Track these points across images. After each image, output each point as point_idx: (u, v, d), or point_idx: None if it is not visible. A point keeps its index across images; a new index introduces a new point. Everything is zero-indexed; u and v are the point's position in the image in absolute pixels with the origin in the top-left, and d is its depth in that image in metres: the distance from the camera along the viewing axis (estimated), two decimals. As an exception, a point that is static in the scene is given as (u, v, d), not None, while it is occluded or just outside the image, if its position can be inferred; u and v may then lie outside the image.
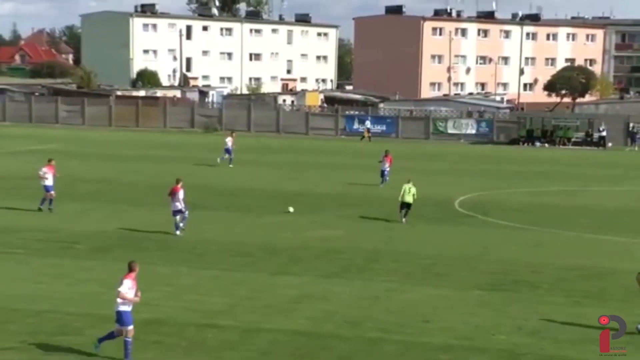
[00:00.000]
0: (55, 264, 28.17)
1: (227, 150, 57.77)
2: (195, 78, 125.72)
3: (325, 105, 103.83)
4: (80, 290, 24.83)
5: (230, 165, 56.65)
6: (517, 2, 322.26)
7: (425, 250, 31.61)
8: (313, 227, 35.47)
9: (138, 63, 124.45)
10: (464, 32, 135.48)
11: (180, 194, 33.12)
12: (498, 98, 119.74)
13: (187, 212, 33.44)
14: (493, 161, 64.97)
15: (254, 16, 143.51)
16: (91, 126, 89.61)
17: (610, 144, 79.58)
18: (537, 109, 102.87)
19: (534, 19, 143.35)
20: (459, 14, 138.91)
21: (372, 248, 31.75)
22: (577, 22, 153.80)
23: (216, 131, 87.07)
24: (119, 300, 19.01)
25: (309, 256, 30.03)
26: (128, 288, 19.03)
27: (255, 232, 34.38)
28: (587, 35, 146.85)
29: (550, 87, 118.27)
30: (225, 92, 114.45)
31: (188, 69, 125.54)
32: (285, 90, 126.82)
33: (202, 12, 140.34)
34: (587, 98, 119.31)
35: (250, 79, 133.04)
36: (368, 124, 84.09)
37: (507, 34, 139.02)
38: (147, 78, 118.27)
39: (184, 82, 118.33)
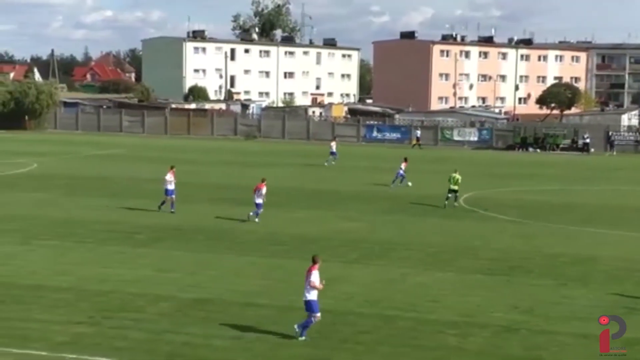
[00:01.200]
0: (118, 251, 28.26)
1: (332, 153, 60.34)
2: (238, 93, 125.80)
3: (348, 116, 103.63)
4: (139, 274, 24.88)
5: (333, 163, 59.20)
6: (513, 28, 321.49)
7: (434, 240, 31.44)
8: (339, 221, 35.36)
9: (189, 80, 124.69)
10: (467, 54, 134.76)
11: (263, 190, 34.15)
12: (497, 110, 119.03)
13: (261, 208, 34.17)
14: (492, 164, 64.60)
15: (288, 41, 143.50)
16: (150, 134, 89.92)
17: (592, 150, 78.93)
18: (530, 120, 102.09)
19: (527, 43, 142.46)
20: (463, 38, 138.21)
21: (388, 238, 31.63)
22: (564, 45, 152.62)
23: (255, 138, 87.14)
24: (309, 290, 18.62)
25: (334, 245, 29.93)
26: (317, 278, 18.70)
27: (289, 224, 34.33)
28: (573, 57, 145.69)
29: (541, 100, 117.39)
30: (264, 105, 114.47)
31: (232, 85, 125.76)
32: (315, 103, 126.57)
33: (245, 37, 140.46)
34: (573, 110, 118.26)
35: (284, 93, 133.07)
36: (418, 133, 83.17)
37: (504, 55, 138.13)
38: (197, 93, 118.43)
39: (229, 96, 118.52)
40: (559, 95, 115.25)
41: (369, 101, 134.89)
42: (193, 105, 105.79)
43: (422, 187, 46.96)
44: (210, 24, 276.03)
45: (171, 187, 36.39)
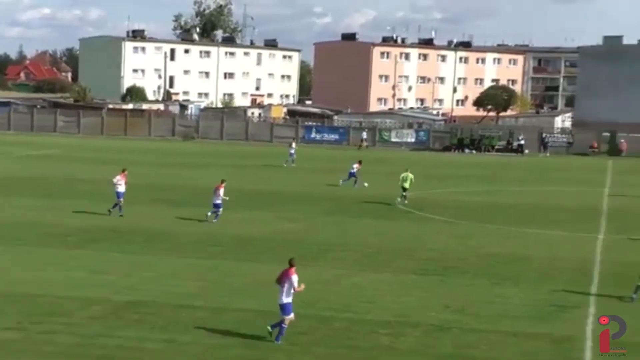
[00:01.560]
0: (51, 253, 27.84)
1: (291, 154, 61.48)
2: (177, 93, 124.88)
3: (287, 117, 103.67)
4: (72, 276, 24.55)
5: (293, 165, 60.05)
6: (452, 31, 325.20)
7: (370, 241, 31.65)
8: (278, 222, 35.37)
9: (128, 80, 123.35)
10: (407, 56, 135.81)
11: (221, 191, 34.42)
12: (435, 112, 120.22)
13: (221, 208, 34.54)
14: (429, 165, 65.13)
15: (229, 41, 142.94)
16: (85, 135, 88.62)
17: (527, 151, 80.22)
18: (467, 121, 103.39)
19: (466, 45, 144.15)
20: (403, 40, 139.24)
21: (327, 239, 31.76)
22: (501, 48, 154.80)
23: (193, 139, 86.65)
24: (287, 294, 18.69)
25: (272, 246, 29.96)
26: (297, 281, 18.77)
27: (228, 225, 34.20)
28: (510, 60, 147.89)
29: (478, 102, 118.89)
30: (202, 105, 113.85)
31: (171, 85, 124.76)
32: (254, 104, 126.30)
33: (185, 37, 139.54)
34: (509, 112, 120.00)
35: (224, 94, 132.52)
36: (364, 134, 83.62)
37: (443, 58, 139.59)
38: (135, 93, 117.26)
39: (167, 97, 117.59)
40: (495, 97, 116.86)
41: (309, 102, 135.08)
42: (130, 106, 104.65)
43: (361, 188, 47.20)
44: (151, 24, 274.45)
45: (121, 189, 35.76)
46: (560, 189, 50.03)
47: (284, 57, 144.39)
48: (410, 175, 41.42)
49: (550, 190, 49.48)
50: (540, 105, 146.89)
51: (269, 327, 18.94)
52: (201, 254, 28.34)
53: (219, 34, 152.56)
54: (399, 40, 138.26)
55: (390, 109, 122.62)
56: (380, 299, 22.75)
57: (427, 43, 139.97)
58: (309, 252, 29.13)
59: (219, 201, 34.55)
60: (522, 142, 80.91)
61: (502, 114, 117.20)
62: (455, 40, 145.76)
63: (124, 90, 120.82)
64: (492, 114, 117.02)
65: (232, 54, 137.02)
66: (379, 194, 44.70)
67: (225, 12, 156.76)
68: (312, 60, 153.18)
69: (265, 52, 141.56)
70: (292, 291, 18.81)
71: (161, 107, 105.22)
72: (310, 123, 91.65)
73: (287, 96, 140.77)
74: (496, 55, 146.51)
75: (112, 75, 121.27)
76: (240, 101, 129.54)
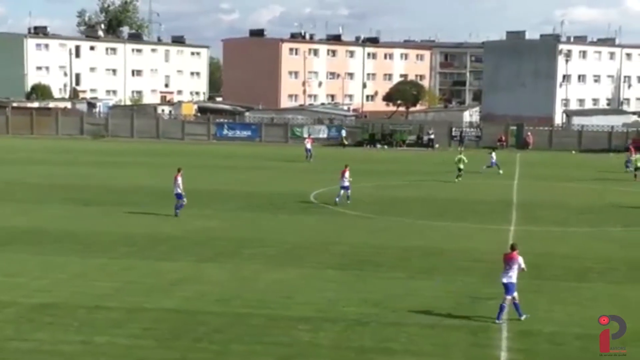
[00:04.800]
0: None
1: (307, 150, 63.65)
2: (84, 91, 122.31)
3: (198, 114, 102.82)
4: (-18, 279, 23.79)
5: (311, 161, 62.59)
6: (360, 27, 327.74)
7: (287, 236, 31.58)
8: (193, 219, 34.93)
9: (32, 78, 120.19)
10: (316, 52, 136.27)
11: (179, 180, 34.90)
12: (345, 107, 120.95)
13: (184, 199, 35.21)
14: (342, 160, 65.29)
15: (135, 38, 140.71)
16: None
17: (437, 145, 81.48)
18: (377, 117, 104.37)
19: (374, 41, 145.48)
20: (311, 37, 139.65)
21: (242, 236, 31.53)
22: (409, 44, 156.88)
23: (103, 137, 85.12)
24: (510, 274, 20.08)
25: (188, 244, 29.61)
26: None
27: (142, 224, 33.69)
28: (417, 55, 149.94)
29: (388, 98, 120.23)
30: (111, 103, 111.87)
31: (77, 83, 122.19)
32: (164, 101, 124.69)
33: (90, 34, 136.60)
34: (418, 107, 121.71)
35: (132, 92, 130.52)
36: (344, 132, 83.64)
37: (351, 53, 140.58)
38: (41, 91, 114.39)
39: (74, 95, 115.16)
40: (404, 92, 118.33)
41: (219, 99, 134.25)
42: (36, 104, 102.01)
43: (278, 184, 47.12)
44: (54, 20, 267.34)
45: None
46: (472, 182, 50.87)
47: (193, 53, 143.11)
48: (464, 158, 51.16)
49: (462, 183, 50.25)
50: (448, 100, 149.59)
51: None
52: (114, 253, 27.78)
53: (125, 30, 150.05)
54: (307, 37, 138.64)
55: (301, 105, 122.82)
56: (299, 294, 22.70)
57: (336, 39, 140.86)
58: (225, 249, 28.92)
59: (178, 190, 35.10)
60: (432, 136, 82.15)
61: (411, 109, 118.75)
62: (362, 36, 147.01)
63: (28, 88, 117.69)
64: (401, 109, 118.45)
65: (139, 50, 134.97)
66: (292, 190, 44.73)
67: (130, 9, 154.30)
68: (221, 57, 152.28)
69: (173, 49, 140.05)
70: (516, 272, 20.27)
71: (68, 105, 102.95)
72: (221, 120, 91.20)
73: (197, 93, 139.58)
74: (403, 50, 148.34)
75: (15, 74, 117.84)
76: (149, 98, 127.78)
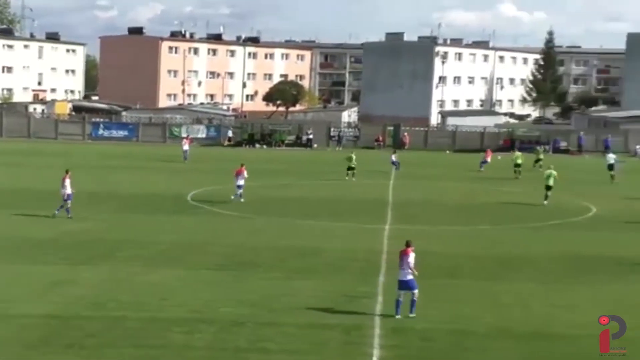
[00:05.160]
0: None
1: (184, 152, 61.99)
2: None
3: (73, 113, 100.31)
4: None
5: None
6: (241, 26, 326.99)
7: (163, 237, 31.29)
8: (68, 222, 34.07)
9: None
10: (196, 51, 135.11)
11: (67, 181, 34.71)
12: (225, 107, 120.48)
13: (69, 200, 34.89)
14: (221, 160, 65.06)
15: (7, 33, 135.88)
16: None
17: (315, 145, 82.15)
18: (257, 117, 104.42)
19: (254, 41, 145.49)
20: (192, 35, 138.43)
21: (118, 237, 31.06)
22: (289, 44, 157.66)
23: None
24: (407, 271, 20.61)
25: (61, 247, 28.96)
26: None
27: (15, 226, 32.76)
28: (298, 55, 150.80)
29: (268, 98, 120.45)
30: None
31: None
32: (36, 100, 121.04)
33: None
34: (298, 107, 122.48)
35: (2, 89, 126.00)
36: (230, 133, 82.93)
37: (232, 53, 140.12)
38: None
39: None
40: (284, 92, 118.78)
41: (95, 98, 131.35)
42: None
43: (155, 185, 46.46)
44: None
45: None
46: (349, 182, 51.53)
47: (68, 51, 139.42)
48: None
49: (339, 183, 50.86)
50: (327, 100, 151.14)
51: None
52: (-18, 258, 26.87)
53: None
54: (188, 35, 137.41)
55: (180, 104, 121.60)
56: (175, 296, 22.56)
57: (216, 38, 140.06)
58: (100, 251, 28.43)
59: (67, 191, 34.71)
60: (311, 136, 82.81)
61: (291, 109, 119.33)
62: (243, 36, 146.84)
63: None
64: (281, 109, 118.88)
65: (10, 46, 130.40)
66: (168, 191, 44.36)
67: (1, 3, 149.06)
68: (97, 55, 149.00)
69: (47, 46, 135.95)
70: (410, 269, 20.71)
71: None
72: (97, 119, 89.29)
73: (72, 91, 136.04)
74: (284, 51, 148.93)
75: None
76: (20, 96, 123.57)
